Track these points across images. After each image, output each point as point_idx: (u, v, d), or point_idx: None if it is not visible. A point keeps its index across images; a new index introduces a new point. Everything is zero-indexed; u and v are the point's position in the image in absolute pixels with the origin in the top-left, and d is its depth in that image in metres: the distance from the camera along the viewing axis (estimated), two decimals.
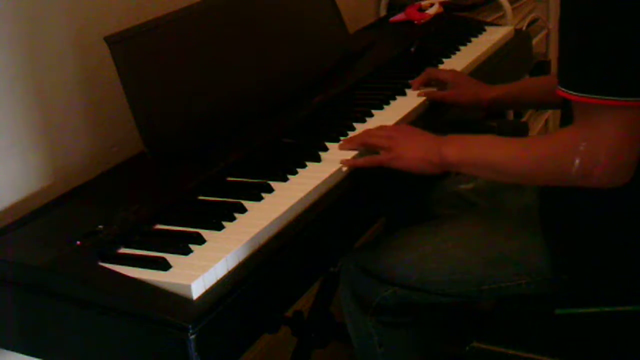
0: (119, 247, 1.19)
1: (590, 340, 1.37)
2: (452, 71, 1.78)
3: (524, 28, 2.54)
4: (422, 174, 1.37)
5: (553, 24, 2.88)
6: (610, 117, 1.16)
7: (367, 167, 1.39)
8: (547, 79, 1.69)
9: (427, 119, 1.64)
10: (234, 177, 1.38)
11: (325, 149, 1.44)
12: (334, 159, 1.39)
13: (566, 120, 1.27)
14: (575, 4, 1.17)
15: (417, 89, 1.71)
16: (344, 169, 1.36)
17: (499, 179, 1.39)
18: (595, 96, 1.15)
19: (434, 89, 1.72)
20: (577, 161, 1.19)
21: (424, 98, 1.67)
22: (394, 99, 1.68)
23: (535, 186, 1.47)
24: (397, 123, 1.55)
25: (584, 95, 1.16)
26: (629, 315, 1.34)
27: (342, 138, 1.48)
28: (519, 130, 1.95)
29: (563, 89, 1.20)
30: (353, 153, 1.41)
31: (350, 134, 1.50)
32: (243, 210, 1.24)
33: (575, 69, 1.19)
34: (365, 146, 1.42)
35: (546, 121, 2.99)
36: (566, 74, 1.20)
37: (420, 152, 1.36)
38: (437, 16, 2.25)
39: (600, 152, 1.17)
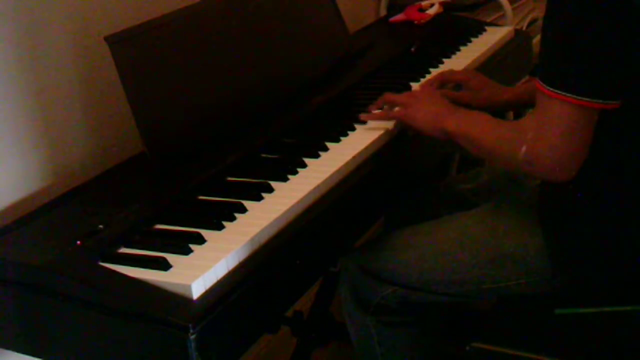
0: (119, 247, 1.19)
1: (590, 340, 1.37)
2: (468, 72, 1.78)
3: (524, 28, 2.54)
4: (430, 136, 1.46)
5: None
6: (558, 111, 1.20)
7: (383, 119, 1.52)
8: None
9: None
10: (234, 177, 1.38)
11: (326, 149, 1.44)
12: (334, 159, 1.39)
13: None
14: (557, 2, 1.21)
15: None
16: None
17: (472, 151, 1.44)
18: (549, 87, 1.20)
19: (448, 89, 1.71)
20: (523, 148, 1.24)
21: None
22: None
23: (535, 186, 1.47)
24: (397, 123, 1.55)
25: (542, 84, 1.21)
26: (629, 315, 1.34)
27: (342, 138, 1.48)
28: None
29: (537, 79, 1.23)
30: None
31: (351, 134, 1.50)
32: (243, 210, 1.24)
33: (542, 60, 1.24)
34: (387, 101, 1.56)
35: None
36: (540, 65, 1.25)
37: (431, 115, 1.46)
38: (437, 16, 2.24)
39: (542, 143, 1.22)
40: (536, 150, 1.23)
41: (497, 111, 1.93)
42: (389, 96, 1.58)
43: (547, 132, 1.21)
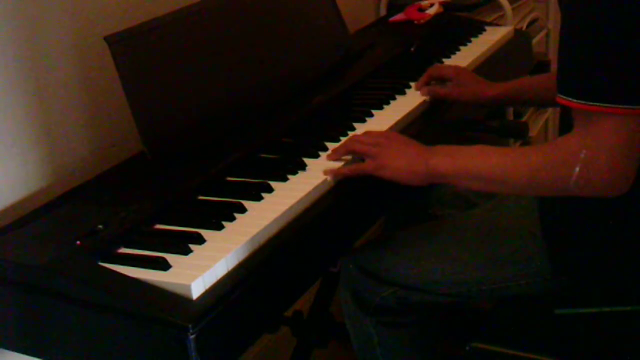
0: (119, 247, 1.19)
1: (590, 340, 1.37)
2: (455, 67, 1.78)
3: (524, 28, 2.54)
4: (408, 185, 1.33)
5: (553, 24, 2.88)
6: (613, 125, 1.13)
7: (352, 176, 1.34)
8: (548, 77, 1.69)
9: (428, 118, 1.64)
10: (234, 177, 1.38)
11: (325, 149, 1.43)
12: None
13: (565, 127, 1.25)
14: (579, 11, 1.15)
15: (420, 88, 1.71)
16: (329, 179, 1.31)
17: (492, 189, 1.35)
18: (598, 104, 1.13)
19: (436, 86, 1.71)
20: (576, 169, 1.16)
21: (424, 98, 1.67)
22: (394, 98, 1.68)
23: None
24: (397, 123, 1.55)
25: (585, 103, 1.14)
26: (629, 315, 1.34)
27: (342, 138, 1.48)
28: (520, 130, 1.95)
29: (563, 97, 1.17)
30: (341, 163, 1.37)
31: (350, 134, 1.50)
32: (243, 210, 1.24)
33: (577, 76, 1.16)
34: (351, 153, 1.38)
35: (546, 121, 2.99)
36: (567, 81, 1.18)
37: (406, 161, 1.31)
38: (437, 16, 2.25)
39: (601, 160, 1.14)
40: (594, 168, 1.15)
41: (497, 108, 1.93)
42: (351, 147, 1.38)
43: (605, 148, 1.14)
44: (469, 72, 1.76)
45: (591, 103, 1.13)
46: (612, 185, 1.17)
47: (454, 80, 1.70)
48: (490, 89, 1.69)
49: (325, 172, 1.33)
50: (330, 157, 1.39)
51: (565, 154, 1.17)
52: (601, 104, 1.13)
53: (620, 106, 1.12)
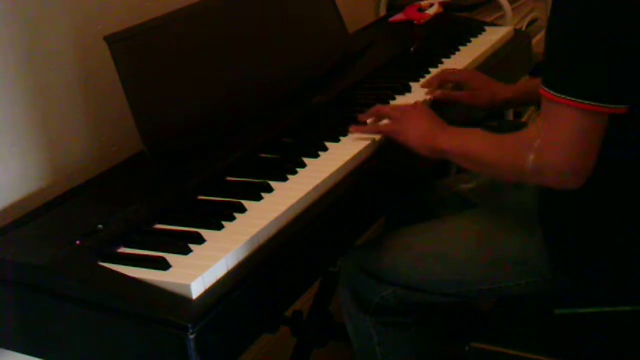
0: (119, 247, 1.19)
1: (590, 340, 1.37)
2: (467, 72, 1.78)
3: (523, 28, 2.54)
4: (416, 153, 1.42)
5: None
6: (567, 117, 1.17)
7: (373, 133, 1.46)
8: None
9: None
10: (233, 176, 1.38)
11: (325, 149, 1.43)
12: (334, 159, 1.39)
13: None
14: (558, 4, 1.18)
15: (431, 90, 1.70)
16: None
17: (471, 167, 1.42)
18: (556, 93, 1.17)
19: (449, 89, 1.71)
20: (531, 156, 1.21)
21: (423, 98, 1.67)
22: (394, 98, 1.68)
23: (534, 186, 1.47)
24: None
25: (548, 90, 1.18)
26: (629, 315, 1.34)
27: (341, 138, 1.48)
28: (519, 130, 1.95)
29: (542, 86, 1.21)
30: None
31: (350, 133, 1.50)
32: (243, 210, 1.24)
33: (548, 67, 1.21)
34: (379, 113, 1.51)
35: None
36: (543, 70, 1.22)
37: (421, 132, 1.42)
38: (436, 16, 2.25)
39: (552, 150, 1.19)
40: (544, 158, 1.20)
41: (497, 110, 1.93)
42: (380, 108, 1.53)
43: (556, 139, 1.18)
44: (481, 75, 1.75)
45: (552, 92, 1.18)
46: (564, 178, 1.21)
47: (466, 85, 1.70)
48: (503, 91, 1.69)
49: (351, 130, 1.48)
50: (362, 118, 1.52)
51: (524, 141, 1.24)
52: (558, 94, 1.16)
53: (574, 99, 1.15)
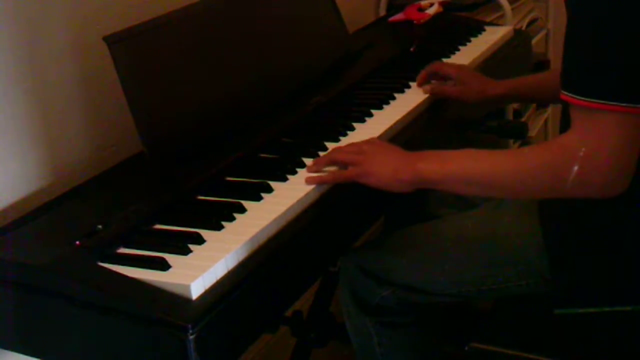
0: (119, 247, 1.19)
1: (590, 341, 1.37)
2: (457, 66, 1.77)
3: (523, 28, 2.54)
4: (392, 192, 1.31)
5: (552, 24, 2.88)
6: (614, 123, 1.12)
7: (333, 183, 1.32)
8: (549, 74, 1.69)
9: (427, 118, 1.64)
10: (233, 177, 1.38)
11: (325, 149, 1.43)
12: None
13: (565, 127, 1.25)
14: (584, 8, 1.14)
15: (421, 83, 1.71)
16: (309, 187, 1.29)
17: (485, 193, 1.34)
18: (599, 101, 1.12)
19: (437, 83, 1.71)
20: (575, 168, 1.14)
21: (423, 98, 1.67)
22: (394, 98, 1.68)
23: None
24: (397, 123, 1.55)
25: (587, 99, 1.13)
26: (629, 315, 1.34)
27: (341, 138, 1.48)
28: (519, 130, 1.95)
29: (566, 93, 1.16)
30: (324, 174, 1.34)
31: (350, 134, 1.50)
32: (242, 210, 1.24)
33: (580, 73, 1.15)
34: (334, 163, 1.35)
35: (546, 121, 2.99)
36: (570, 77, 1.17)
37: (391, 168, 1.30)
38: (436, 16, 2.25)
39: (601, 158, 1.13)
40: (591, 168, 1.13)
41: (489, 106, 1.93)
42: (335, 155, 1.36)
43: (604, 146, 1.12)
44: (471, 70, 1.76)
45: (593, 100, 1.12)
46: (611, 185, 1.16)
47: (456, 79, 1.70)
48: (494, 87, 1.68)
49: (307, 181, 1.30)
50: (310, 169, 1.35)
51: (564, 153, 1.16)
52: (603, 101, 1.12)
53: (621, 104, 1.11)
